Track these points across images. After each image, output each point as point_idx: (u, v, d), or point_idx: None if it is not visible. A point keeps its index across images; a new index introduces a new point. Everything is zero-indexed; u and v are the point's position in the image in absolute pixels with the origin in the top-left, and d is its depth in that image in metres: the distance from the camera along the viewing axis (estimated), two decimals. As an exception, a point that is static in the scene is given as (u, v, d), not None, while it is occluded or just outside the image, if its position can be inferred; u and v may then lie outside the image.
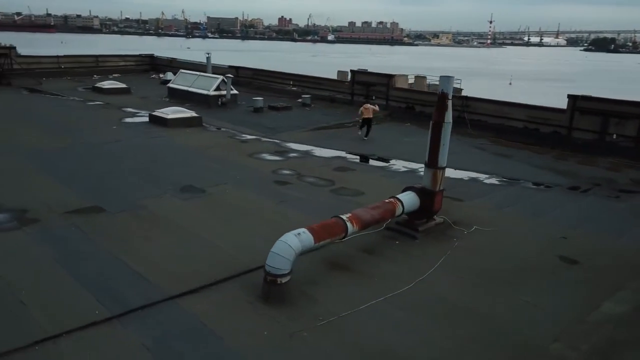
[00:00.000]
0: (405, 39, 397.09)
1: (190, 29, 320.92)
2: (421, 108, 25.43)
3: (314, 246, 8.98)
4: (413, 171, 17.50)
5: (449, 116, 11.28)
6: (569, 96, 21.00)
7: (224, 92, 27.68)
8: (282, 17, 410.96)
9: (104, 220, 11.80)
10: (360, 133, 21.83)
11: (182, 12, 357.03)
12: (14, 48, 36.50)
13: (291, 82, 31.93)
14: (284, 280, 8.46)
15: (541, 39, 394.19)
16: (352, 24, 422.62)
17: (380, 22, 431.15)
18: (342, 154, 19.38)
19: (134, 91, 31.65)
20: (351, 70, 29.50)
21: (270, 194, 14.20)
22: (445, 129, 11.30)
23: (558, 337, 7.95)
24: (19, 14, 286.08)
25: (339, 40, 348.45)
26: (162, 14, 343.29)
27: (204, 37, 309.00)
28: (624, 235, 12.34)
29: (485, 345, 7.75)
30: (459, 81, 53.83)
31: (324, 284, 9.30)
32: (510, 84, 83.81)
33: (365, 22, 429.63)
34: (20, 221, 11.40)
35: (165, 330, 7.64)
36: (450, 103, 11.25)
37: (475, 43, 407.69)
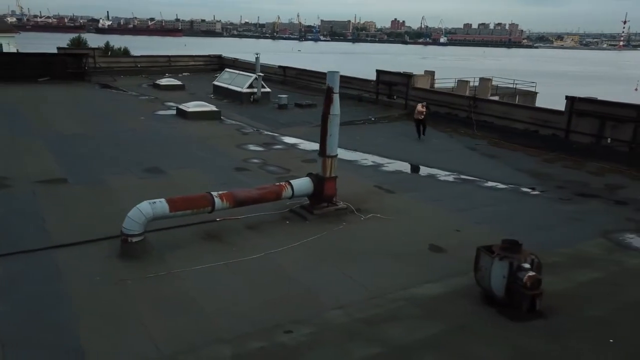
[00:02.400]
0: (524, 41, 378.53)
1: (304, 32, 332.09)
2: (436, 108, 25.57)
3: (170, 214, 10.50)
4: (378, 166, 18.27)
5: (334, 109, 12.21)
6: (567, 97, 20.32)
7: (255, 90, 29.79)
8: (395, 19, 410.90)
9: (60, 189, 14.21)
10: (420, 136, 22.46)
11: (297, 15, 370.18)
12: (97, 49, 41.55)
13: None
14: (135, 239, 10.09)
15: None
16: (467, 25, 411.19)
17: (499, 24, 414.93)
18: (326, 148, 20.51)
19: (188, 88, 34.88)
20: (377, 70, 30.23)
21: (220, 178, 15.79)
22: (332, 120, 12.23)
23: (343, 305, 8.78)
24: (152, 19, 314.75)
25: (451, 42, 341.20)
26: (278, 18, 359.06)
27: (316, 40, 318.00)
28: (522, 235, 12.30)
29: (280, 306, 8.75)
30: (533, 84, 51.91)
31: (184, 248, 10.76)
32: (636, 89, 77.89)
33: (482, 24, 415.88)
34: (-4, 186, 14.14)
35: (25, 270, 9.57)
36: (336, 97, 12.15)
37: (604, 45, 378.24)
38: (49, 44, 56.91)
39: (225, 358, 7.30)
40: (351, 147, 20.61)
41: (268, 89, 30.72)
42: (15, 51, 55.98)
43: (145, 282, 9.35)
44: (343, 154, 19.57)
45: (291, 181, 12.55)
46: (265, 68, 37.99)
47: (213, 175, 16.07)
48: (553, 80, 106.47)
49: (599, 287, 9.91)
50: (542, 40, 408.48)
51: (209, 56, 46.90)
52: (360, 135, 23.10)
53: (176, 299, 8.83)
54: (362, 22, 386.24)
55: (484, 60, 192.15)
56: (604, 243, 12.09)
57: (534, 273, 8.64)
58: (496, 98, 45.39)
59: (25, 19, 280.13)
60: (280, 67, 38.61)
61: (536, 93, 49.97)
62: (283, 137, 22.04)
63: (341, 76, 32.91)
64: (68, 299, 8.63)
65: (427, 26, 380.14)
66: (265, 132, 22.94)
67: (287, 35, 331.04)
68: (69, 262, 9.96)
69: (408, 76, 27.67)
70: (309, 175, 12.93)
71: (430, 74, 48.59)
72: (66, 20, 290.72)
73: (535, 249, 11.37)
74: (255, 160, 18.12)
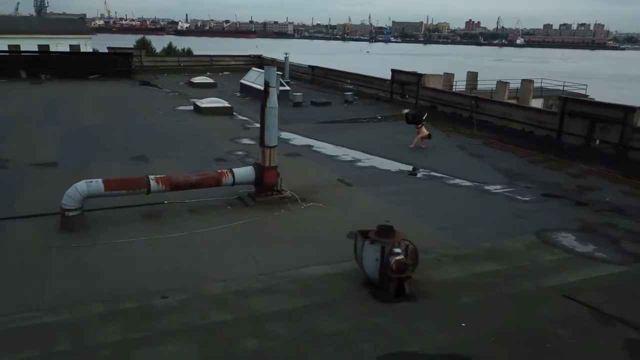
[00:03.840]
0: (610, 42, 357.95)
1: (374, 34, 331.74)
2: (442, 108, 25.64)
3: (105, 193, 11.73)
4: (355, 161, 18.82)
5: (271, 102, 12.99)
6: (560, 98, 19.91)
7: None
8: (470, 20, 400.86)
9: (48, 171, 15.90)
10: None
11: (369, 17, 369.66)
12: (145, 48, 44.35)
13: (349, 81, 33.96)
14: (71, 214, 11.39)
15: None
16: (547, 26, 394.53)
17: (582, 24, 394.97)
18: (315, 142, 21.32)
19: (220, 86, 36.64)
20: (392, 70, 30.51)
21: (195, 167, 16.65)
22: (269, 113, 13.02)
23: (226, 279, 9.62)
24: (227, 21, 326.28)
25: (528, 44, 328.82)
26: (349, 19, 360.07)
27: (387, 41, 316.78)
28: (454, 228, 12.62)
29: (171, 276, 9.70)
30: (584, 87, 50.16)
31: (121, 225, 11.93)
32: None
33: (564, 24, 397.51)
34: (-5, 167, 16.07)
35: (-22, 236, 11.16)
36: (273, 90, 12.94)
37: None
38: (122, 44, 61.24)
39: (94, 314, 8.34)
40: (339, 143, 21.29)
41: (287, 87, 31.79)
42: (91, 51, 60.96)
43: (68, 250, 10.59)
44: (328, 148, 20.59)
45: (234, 169, 13.48)
46: (297, 67, 39.24)
47: (190, 164, 17.21)
48: (624, 84, 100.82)
49: (490, 279, 10.13)
50: (630, 41, 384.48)
51: (249, 56, 48.71)
52: (358, 132, 23.67)
53: (84, 265, 10.00)
54: (435, 23, 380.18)
55: (562, 62, 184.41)
56: (533, 240, 12.11)
57: (401, 257, 9.07)
58: (540, 100, 44.16)
59: (111, 22, 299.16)
60: (309, 66, 39.66)
61: (587, 96, 48.03)
62: (281, 133, 22.78)
63: (362, 76, 33.75)
64: (-6, 260, 10.03)
65: (503, 27, 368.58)
66: (267, 128, 23.95)
67: (357, 37, 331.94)
68: (15, 231, 11.43)
69: (419, 76, 27.80)
70: (254, 164, 13.80)
71: (473, 74, 48.11)
72: (148, 23, 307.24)
73: (459, 241, 11.96)
74: (240, 153, 19.19)
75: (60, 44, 63.66)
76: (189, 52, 77.80)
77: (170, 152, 18.95)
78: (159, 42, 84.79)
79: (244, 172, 13.42)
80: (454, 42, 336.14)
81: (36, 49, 55.84)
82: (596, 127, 18.46)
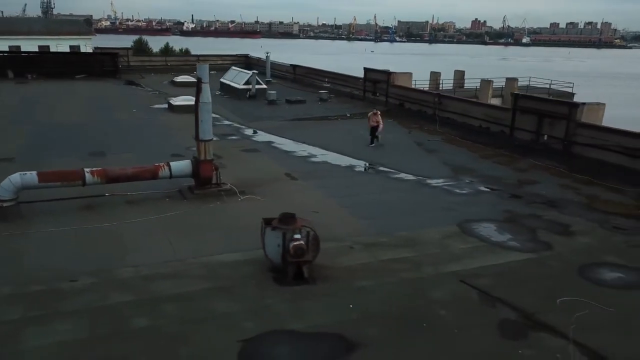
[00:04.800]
0: (617, 41, 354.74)
1: (379, 34, 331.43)
2: (409, 105, 26.04)
3: (40, 185, 12.28)
4: (310, 157, 19.28)
5: (204, 97, 13.47)
6: (512, 94, 20.26)
7: (251, 86, 31.48)
8: (476, 19, 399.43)
9: (5, 165, 16.48)
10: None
11: (374, 17, 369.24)
12: (131, 48, 45.00)
13: (326, 79, 34.43)
14: (6, 204, 11.94)
15: None
16: (554, 25, 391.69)
17: (589, 23, 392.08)
18: (277, 139, 21.80)
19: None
20: (364, 68, 30.93)
21: (150, 162, 17.43)
22: (202, 108, 13.52)
23: (139, 265, 10.12)
24: (232, 22, 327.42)
25: (535, 43, 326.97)
26: (354, 19, 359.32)
27: (392, 41, 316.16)
28: (377, 218, 13.08)
29: (87, 262, 10.18)
30: (570, 85, 50.33)
31: (58, 215, 12.41)
32: None
33: (571, 23, 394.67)
34: (-44, 162, 16.68)
35: None
36: (205, 86, 13.42)
37: None
38: (125, 45, 62.01)
39: (2, 295, 8.89)
40: (301, 139, 21.74)
41: (264, 86, 32.32)
42: (91, 51, 61.79)
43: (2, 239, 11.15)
44: (288, 145, 21.07)
45: (171, 163, 13.99)
46: (279, 66, 39.77)
47: (146, 159, 17.58)
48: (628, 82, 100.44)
49: (395, 265, 10.57)
50: (637, 40, 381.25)
51: (236, 55, 49.28)
52: (323, 129, 24.13)
53: (8, 252, 10.54)
54: (440, 22, 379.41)
55: (567, 61, 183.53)
56: (453, 230, 12.53)
57: (299, 242, 9.53)
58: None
59: (117, 23, 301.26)
60: (291, 65, 40.15)
61: (573, 94, 48.17)
62: (246, 130, 23.51)
63: (338, 74, 34.16)
64: None
65: (509, 26, 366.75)
66: (235, 125, 24.51)
67: (362, 37, 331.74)
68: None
69: (388, 74, 28.21)
70: (192, 158, 14.31)
71: (460, 72, 48.42)
72: (154, 24, 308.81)
73: (378, 230, 12.38)
74: (198, 149, 19.68)
75: (60, 45, 64.49)
76: (187, 52, 78.62)
77: (131, 148, 19.50)
78: (163, 43, 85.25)
79: (181, 165, 13.92)
80: (459, 42, 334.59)
81: (37, 49, 56.81)
82: (544, 123, 18.80)
